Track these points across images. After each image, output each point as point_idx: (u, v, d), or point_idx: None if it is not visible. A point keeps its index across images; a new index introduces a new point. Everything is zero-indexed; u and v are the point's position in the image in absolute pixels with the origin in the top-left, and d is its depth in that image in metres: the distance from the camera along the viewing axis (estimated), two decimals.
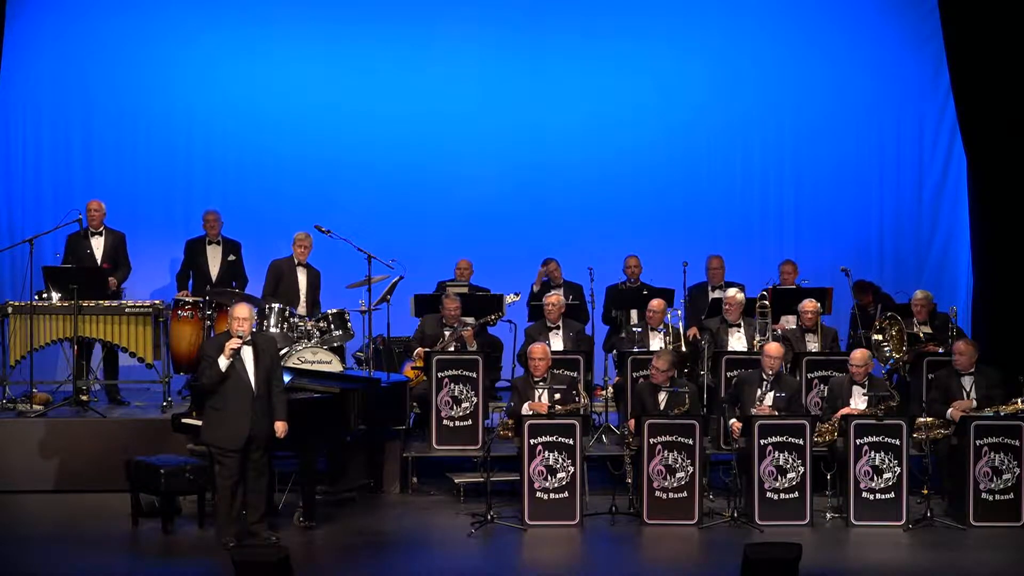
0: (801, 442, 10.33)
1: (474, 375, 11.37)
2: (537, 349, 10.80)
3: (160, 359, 11.81)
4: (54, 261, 12.32)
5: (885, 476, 10.31)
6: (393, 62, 14.17)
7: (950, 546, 9.91)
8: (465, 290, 12.59)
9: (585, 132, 14.32)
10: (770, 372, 10.74)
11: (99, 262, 12.07)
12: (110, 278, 12.00)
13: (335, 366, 11.40)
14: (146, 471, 10.07)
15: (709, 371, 11.59)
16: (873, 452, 10.31)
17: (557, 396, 10.60)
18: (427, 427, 11.40)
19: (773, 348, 10.82)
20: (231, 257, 12.56)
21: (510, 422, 10.65)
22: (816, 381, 11.56)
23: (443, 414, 11.34)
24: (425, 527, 10.30)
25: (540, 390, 10.67)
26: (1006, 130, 13.60)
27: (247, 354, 9.38)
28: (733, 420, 10.61)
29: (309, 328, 11.74)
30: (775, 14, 14.37)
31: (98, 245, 12.16)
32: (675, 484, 10.28)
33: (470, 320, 11.95)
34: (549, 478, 10.24)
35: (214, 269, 12.52)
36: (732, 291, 12.10)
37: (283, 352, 10.87)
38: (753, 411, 10.59)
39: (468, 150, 14.20)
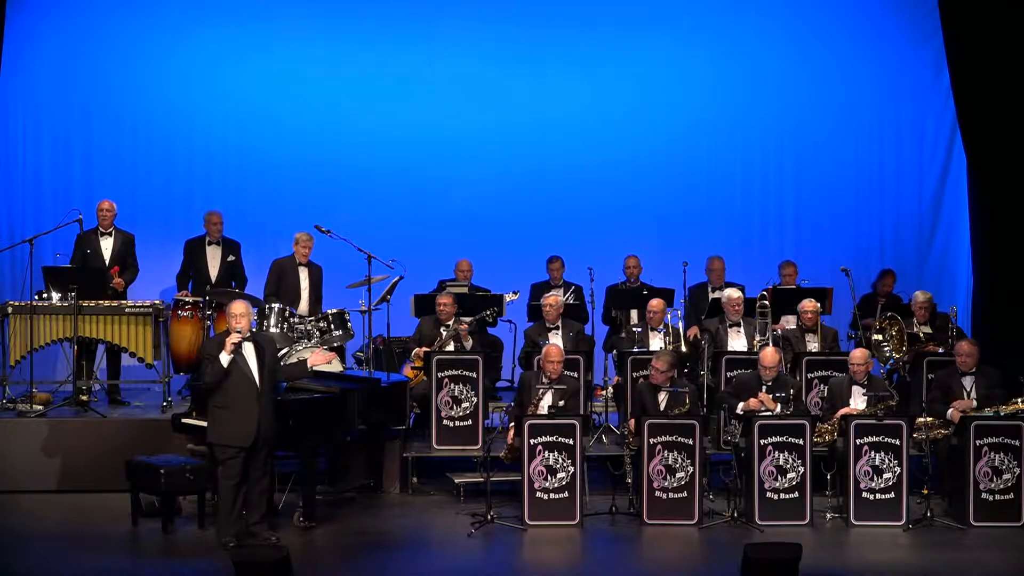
0: (801, 442, 10.33)
1: (474, 375, 11.37)
2: (553, 351, 10.79)
3: (160, 359, 11.81)
4: (54, 261, 12.32)
5: (885, 476, 10.30)
6: (394, 62, 14.18)
7: (950, 546, 9.90)
8: (465, 290, 12.59)
9: (585, 132, 14.32)
10: (768, 382, 10.76)
11: (107, 262, 12.07)
12: (118, 279, 12.01)
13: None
14: (146, 471, 10.07)
15: (709, 371, 11.60)
16: (873, 452, 10.31)
17: (562, 403, 10.61)
18: (427, 427, 11.41)
19: (768, 357, 10.79)
20: (231, 257, 12.56)
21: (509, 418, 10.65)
22: (816, 381, 11.56)
23: (443, 414, 11.34)
24: (425, 527, 10.30)
25: (546, 390, 10.65)
26: (1006, 130, 13.61)
27: (249, 352, 9.38)
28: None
29: (309, 328, 11.74)
30: (775, 14, 14.38)
31: (107, 246, 12.16)
32: (675, 484, 10.27)
33: (467, 319, 11.95)
34: (549, 478, 10.24)
35: (213, 269, 12.52)
36: (731, 291, 12.10)
37: (283, 352, 10.88)
38: (739, 406, 10.64)
39: (468, 150, 14.21)
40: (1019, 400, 10.53)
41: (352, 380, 10.80)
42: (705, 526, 10.25)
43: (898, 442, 10.32)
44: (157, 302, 11.85)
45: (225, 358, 9.28)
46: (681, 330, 12.04)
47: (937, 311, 12.26)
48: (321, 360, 9.85)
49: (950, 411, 10.69)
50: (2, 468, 11.03)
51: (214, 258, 12.55)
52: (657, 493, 10.28)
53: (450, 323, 11.89)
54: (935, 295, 12.51)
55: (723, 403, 10.87)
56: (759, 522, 10.22)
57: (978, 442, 10.31)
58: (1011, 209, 13.63)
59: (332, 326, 11.82)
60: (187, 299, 11.93)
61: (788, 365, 11.57)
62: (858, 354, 10.84)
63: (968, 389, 10.80)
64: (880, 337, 11.80)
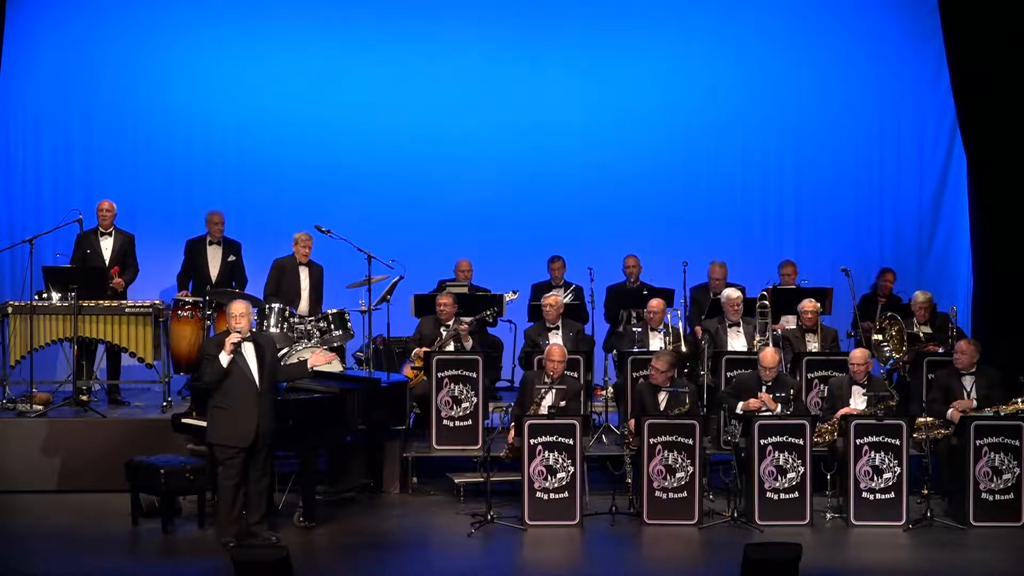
0: (801, 442, 10.33)
1: (474, 375, 11.37)
2: (556, 351, 10.78)
3: (160, 359, 11.81)
4: (54, 261, 12.32)
5: (885, 476, 10.30)
6: (395, 61, 14.18)
7: (950, 546, 9.91)
8: (465, 290, 12.59)
9: (585, 132, 14.33)
10: (768, 382, 10.76)
11: (107, 262, 12.07)
12: (118, 279, 12.01)
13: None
14: (146, 471, 10.07)
15: (709, 371, 11.60)
16: (873, 452, 10.31)
17: (563, 403, 10.61)
18: (427, 427, 11.41)
19: (768, 358, 10.79)
20: (231, 258, 12.56)
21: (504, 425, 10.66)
22: (816, 381, 11.56)
23: (443, 414, 11.34)
24: (425, 527, 10.30)
25: (547, 390, 10.65)
26: (1006, 130, 13.61)
27: (249, 352, 9.38)
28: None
29: (309, 328, 11.74)
30: (775, 14, 14.38)
31: (107, 246, 12.15)
32: (675, 484, 10.27)
33: (467, 319, 11.95)
34: (549, 478, 10.24)
35: (214, 269, 12.53)
36: (731, 291, 12.09)
37: (283, 352, 10.88)
38: (739, 406, 10.64)
39: (468, 150, 14.21)
40: (1019, 400, 10.53)
41: (352, 380, 10.80)
42: (705, 526, 10.25)
43: (898, 442, 10.32)
44: (157, 302, 11.85)
45: (225, 358, 9.28)
46: (681, 330, 12.03)
47: (937, 311, 12.26)
48: (321, 360, 9.85)
49: (950, 411, 10.69)
50: (2, 468, 11.03)
51: (214, 258, 12.55)
52: (657, 493, 10.28)
53: (450, 323, 11.89)
54: (935, 295, 12.51)
55: (723, 403, 10.87)
56: (759, 522, 10.22)
57: (978, 442, 10.30)
58: (1011, 209, 13.63)
59: (332, 326, 11.82)
60: (187, 299, 11.93)
61: (788, 365, 11.58)
62: (858, 354, 10.84)
63: (968, 389, 10.80)
64: (880, 337, 11.81)
